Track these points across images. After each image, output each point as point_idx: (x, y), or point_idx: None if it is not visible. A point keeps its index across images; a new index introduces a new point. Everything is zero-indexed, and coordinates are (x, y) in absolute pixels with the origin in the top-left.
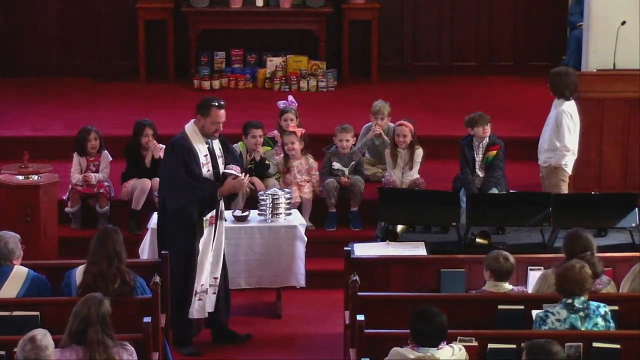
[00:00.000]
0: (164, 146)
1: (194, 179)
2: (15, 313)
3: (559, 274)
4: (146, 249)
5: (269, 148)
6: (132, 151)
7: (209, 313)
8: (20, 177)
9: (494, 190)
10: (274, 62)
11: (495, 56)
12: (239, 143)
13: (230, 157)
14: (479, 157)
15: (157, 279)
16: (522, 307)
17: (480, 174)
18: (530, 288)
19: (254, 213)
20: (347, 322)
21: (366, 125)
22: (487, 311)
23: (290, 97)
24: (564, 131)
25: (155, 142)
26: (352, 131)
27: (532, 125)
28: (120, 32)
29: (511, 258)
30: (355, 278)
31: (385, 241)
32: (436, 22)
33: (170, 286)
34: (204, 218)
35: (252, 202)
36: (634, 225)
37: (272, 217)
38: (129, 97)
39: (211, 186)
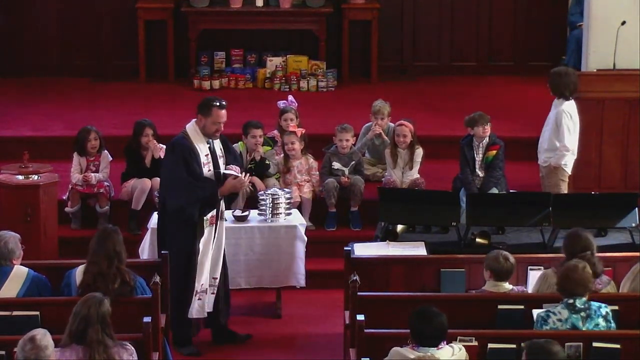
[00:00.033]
0: (164, 146)
1: (194, 178)
2: (15, 313)
3: (561, 274)
4: (146, 249)
5: (269, 148)
6: (132, 151)
7: (208, 313)
8: (20, 177)
9: (494, 190)
10: (274, 62)
11: (495, 56)
12: (239, 143)
13: (231, 157)
14: (479, 157)
15: (157, 279)
16: (522, 307)
17: (480, 173)
18: (530, 288)
19: (254, 213)
20: (347, 322)
21: (366, 125)
22: (487, 311)
23: (290, 97)
24: (564, 131)
25: (155, 142)
26: (352, 131)
27: (532, 125)
28: (120, 32)
29: (511, 258)
30: (355, 278)
31: (385, 241)
32: (436, 22)
33: (170, 286)
34: (205, 218)
35: (252, 202)
36: (634, 225)
37: (272, 217)
38: (129, 97)
39: (212, 186)
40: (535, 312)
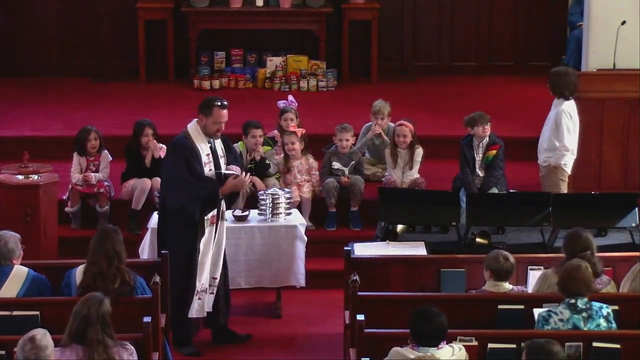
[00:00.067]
0: (164, 146)
1: (195, 178)
2: (15, 313)
3: (563, 274)
4: (146, 249)
5: (269, 148)
6: (132, 151)
7: (208, 313)
8: (20, 177)
9: (494, 190)
10: (274, 62)
11: (495, 56)
12: (239, 143)
13: (232, 157)
14: (478, 157)
15: (157, 279)
16: (522, 307)
17: (480, 173)
18: (530, 288)
19: (254, 213)
20: (347, 322)
21: (366, 125)
22: (487, 311)
23: (290, 97)
24: (563, 131)
25: (155, 142)
26: (351, 131)
27: (532, 125)
28: (120, 32)
29: (511, 258)
30: (355, 278)
31: (385, 241)
32: (436, 22)
33: (171, 286)
34: (205, 218)
35: (252, 202)
36: (634, 225)
37: (272, 216)
38: (129, 97)
39: (213, 185)
40: (537, 312)
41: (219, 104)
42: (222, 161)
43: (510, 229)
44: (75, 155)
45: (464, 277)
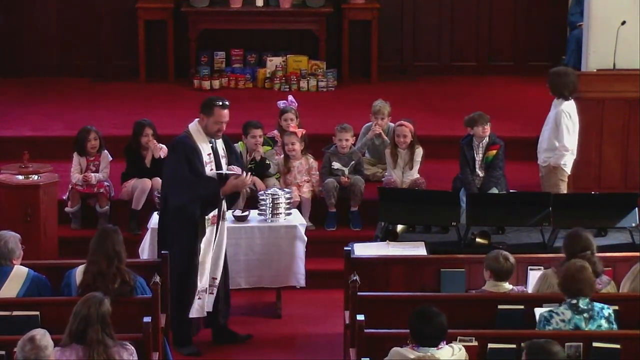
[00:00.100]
0: (164, 146)
1: (197, 177)
2: (15, 313)
3: (567, 274)
4: (146, 249)
5: (269, 148)
6: (132, 151)
7: (208, 313)
8: (20, 177)
9: (494, 190)
10: (274, 62)
11: (495, 56)
12: (239, 143)
13: (234, 157)
14: (478, 157)
15: (157, 279)
16: (522, 307)
17: (480, 173)
18: (530, 288)
19: (254, 213)
20: (347, 322)
21: (366, 125)
22: (487, 311)
23: (290, 97)
24: (563, 131)
25: (155, 142)
26: (351, 131)
27: (532, 125)
28: (120, 32)
29: (511, 258)
30: (355, 278)
31: (385, 241)
32: (436, 22)
33: (171, 286)
34: (206, 217)
35: (252, 202)
36: (634, 225)
37: (272, 217)
38: (129, 97)
39: (214, 185)
40: (538, 312)
41: (220, 103)
42: (223, 161)
43: (510, 229)
44: (75, 155)
45: (464, 277)
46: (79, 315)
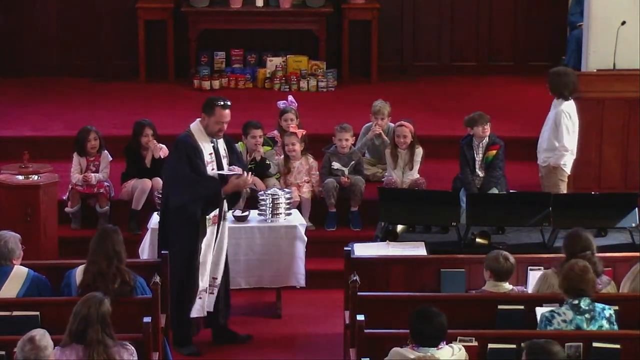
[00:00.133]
0: (164, 146)
1: (198, 176)
2: (15, 313)
3: (569, 274)
4: (146, 249)
5: (269, 148)
6: (132, 151)
7: (208, 313)
8: (20, 177)
9: (494, 190)
10: (274, 62)
11: (495, 56)
12: (239, 143)
13: (235, 157)
14: (478, 157)
15: (157, 279)
16: (522, 307)
17: (480, 173)
18: (530, 288)
19: (254, 213)
20: (347, 322)
21: (366, 125)
22: (487, 311)
23: (290, 97)
24: (563, 131)
25: (155, 142)
26: (351, 131)
27: (532, 125)
28: (120, 32)
29: (511, 258)
30: (355, 278)
31: (385, 241)
32: (436, 22)
33: (171, 285)
34: (207, 217)
35: (252, 202)
36: (634, 225)
37: (272, 217)
38: (129, 97)
39: (215, 184)
40: (539, 312)
41: (222, 103)
42: (224, 161)
43: (510, 229)
44: (75, 155)
45: (464, 277)
46: (79, 315)
